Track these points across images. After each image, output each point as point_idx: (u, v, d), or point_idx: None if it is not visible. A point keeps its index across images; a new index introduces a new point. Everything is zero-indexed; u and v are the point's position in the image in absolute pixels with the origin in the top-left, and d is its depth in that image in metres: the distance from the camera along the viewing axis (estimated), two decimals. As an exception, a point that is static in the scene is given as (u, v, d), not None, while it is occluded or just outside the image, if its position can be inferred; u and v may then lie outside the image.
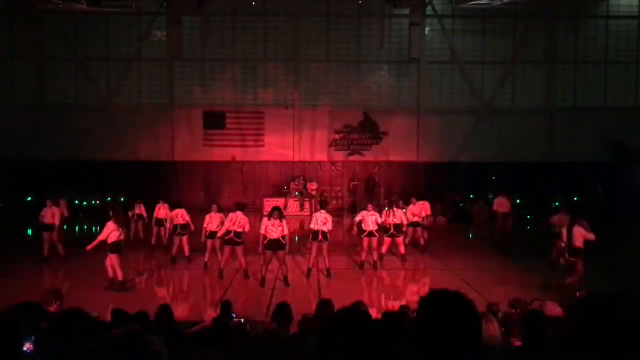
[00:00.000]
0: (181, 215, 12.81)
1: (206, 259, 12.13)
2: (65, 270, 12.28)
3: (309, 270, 11.57)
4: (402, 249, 12.85)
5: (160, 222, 13.85)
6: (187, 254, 12.75)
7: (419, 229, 14.08)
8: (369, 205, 12.55)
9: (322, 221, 11.37)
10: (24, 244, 15.20)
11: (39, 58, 21.18)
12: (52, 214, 12.89)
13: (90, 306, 4.61)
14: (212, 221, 12.02)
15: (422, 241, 14.14)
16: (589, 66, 22.13)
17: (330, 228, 11.46)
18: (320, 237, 11.30)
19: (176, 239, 12.74)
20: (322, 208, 12.13)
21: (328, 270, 11.50)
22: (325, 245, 11.37)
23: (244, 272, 11.30)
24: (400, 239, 12.79)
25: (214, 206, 12.43)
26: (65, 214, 14.92)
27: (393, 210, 12.72)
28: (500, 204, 15.74)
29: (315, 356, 2.95)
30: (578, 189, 21.86)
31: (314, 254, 11.47)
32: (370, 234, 12.05)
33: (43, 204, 13.33)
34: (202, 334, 5.67)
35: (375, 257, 12.25)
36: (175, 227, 12.75)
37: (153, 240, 14.11)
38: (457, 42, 22.22)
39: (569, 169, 21.31)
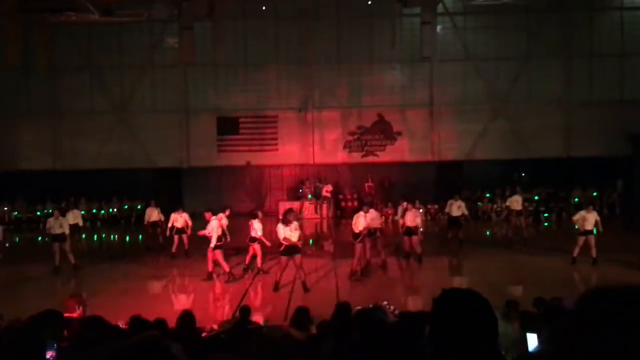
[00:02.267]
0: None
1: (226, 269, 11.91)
2: (78, 279, 12.43)
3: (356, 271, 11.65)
4: (418, 249, 12.82)
5: (181, 231, 14.02)
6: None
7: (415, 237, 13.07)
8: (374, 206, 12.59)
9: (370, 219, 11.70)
10: (38, 255, 15.38)
11: (53, 69, 21.46)
12: (60, 225, 12.99)
13: (109, 313, 4.64)
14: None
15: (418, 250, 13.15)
16: (605, 59, 21.80)
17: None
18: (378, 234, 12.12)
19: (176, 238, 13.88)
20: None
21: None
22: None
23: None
24: (415, 239, 12.75)
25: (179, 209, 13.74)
26: (80, 223, 15.17)
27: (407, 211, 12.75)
28: (514, 202, 15.51)
29: (332, 358, 2.94)
30: (597, 183, 21.63)
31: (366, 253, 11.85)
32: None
33: (50, 214, 13.62)
34: (220, 339, 5.69)
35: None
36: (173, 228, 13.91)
37: (174, 249, 14.13)
38: (470, 39, 22.05)
39: (588, 164, 21.03)
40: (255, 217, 12.21)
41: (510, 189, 16.29)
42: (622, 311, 1.41)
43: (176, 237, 13.89)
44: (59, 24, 20.16)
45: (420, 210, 14.12)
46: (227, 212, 12.90)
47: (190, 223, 13.96)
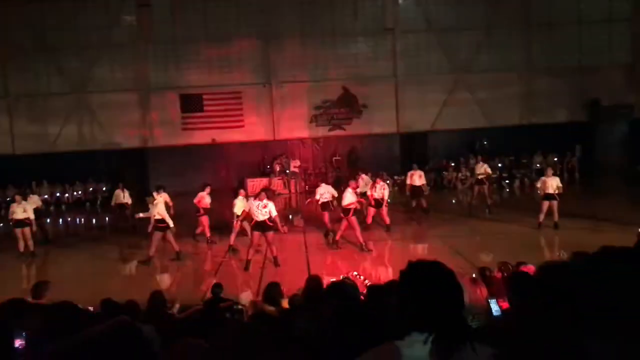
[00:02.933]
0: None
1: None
2: (40, 264, 12.24)
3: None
4: (386, 220, 13.09)
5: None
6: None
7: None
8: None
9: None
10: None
11: (6, 49, 20.66)
12: (24, 209, 12.77)
13: (79, 298, 4.60)
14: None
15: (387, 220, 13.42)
16: (563, 27, 22.15)
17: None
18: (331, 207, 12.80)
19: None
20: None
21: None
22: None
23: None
24: (384, 210, 12.99)
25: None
26: (40, 207, 14.87)
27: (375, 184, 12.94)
28: (478, 169, 15.75)
29: (305, 333, 3.00)
30: (557, 149, 22.23)
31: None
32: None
33: (12, 200, 13.32)
34: (193, 318, 5.72)
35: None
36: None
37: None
38: (432, 10, 22.08)
39: (548, 130, 21.55)
40: (236, 195, 12.51)
41: (475, 158, 16.52)
42: (577, 281, 1.49)
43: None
44: (11, 3, 19.33)
45: (388, 182, 14.29)
46: (208, 190, 13.27)
47: (171, 203, 13.65)
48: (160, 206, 11.57)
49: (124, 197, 15.31)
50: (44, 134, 21.34)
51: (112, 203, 15.54)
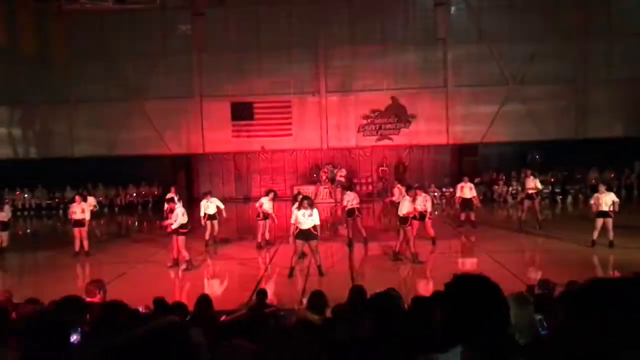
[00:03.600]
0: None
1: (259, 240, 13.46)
2: (94, 264, 12.66)
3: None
4: (431, 232, 12.89)
5: (212, 217, 13.98)
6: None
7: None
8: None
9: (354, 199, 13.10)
10: (60, 240, 15.67)
11: (68, 57, 21.63)
12: (82, 210, 13.28)
13: (130, 298, 4.75)
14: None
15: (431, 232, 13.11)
16: (622, 38, 21.33)
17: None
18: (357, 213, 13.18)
19: None
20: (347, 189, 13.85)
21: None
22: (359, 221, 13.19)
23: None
24: (428, 223, 12.78)
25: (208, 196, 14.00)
26: (95, 209, 15.45)
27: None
28: (528, 184, 15.29)
29: (347, 342, 3.01)
30: (614, 165, 21.38)
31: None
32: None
33: (72, 200, 13.90)
34: (238, 322, 5.80)
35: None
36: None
37: (206, 236, 13.99)
38: (484, 20, 21.73)
39: (605, 145, 20.78)
40: (266, 195, 13.53)
41: (525, 172, 16.04)
42: (628, 301, 1.44)
43: (208, 223, 13.74)
44: (73, 13, 20.25)
45: (435, 194, 14.11)
46: (208, 198, 13.89)
47: (222, 207, 13.94)
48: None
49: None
50: (102, 138, 22.21)
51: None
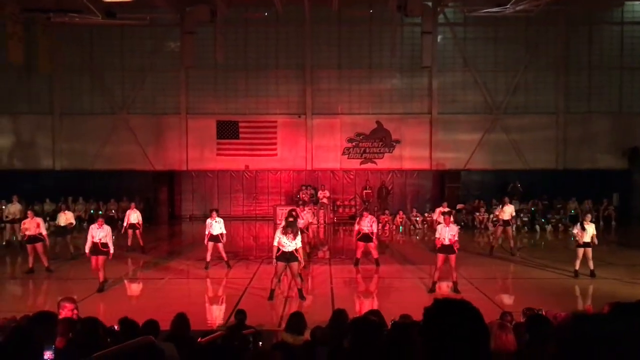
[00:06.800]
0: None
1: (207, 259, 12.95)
2: (68, 280, 12.27)
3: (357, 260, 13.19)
4: (375, 254, 13.04)
5: (133, 226, 15.20)
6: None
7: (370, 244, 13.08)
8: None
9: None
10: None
11: (55, 69, 21.51)
12: (37, 225, 12.28)
13: (102, 315, 4.66)
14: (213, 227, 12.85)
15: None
16: (603, 72, 21.93)
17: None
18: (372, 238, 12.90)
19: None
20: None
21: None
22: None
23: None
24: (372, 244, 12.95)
25: (214, 213, 13.10)
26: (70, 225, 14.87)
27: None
28: (505, 212, 15.38)
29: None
30: (593, 196, 21.66)
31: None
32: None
33: (25, 215, 12.88)
34: (215, 343, 5.71)
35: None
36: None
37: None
38: (469, 49, 22.18)
39: (584, 175, 21.14)
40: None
41: (504, 200, 16.16)
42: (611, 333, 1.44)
43: (210, 245, 12.91)
44: (63, 25, 20.20)
45: (417, 219, 14.08)
46: (214, 216, 13.01)
47: (224, 232, 13.08)
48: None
49: (135, 217, 15.27)
50: (84, 151, 22.02)
51: (125, 223, 15.44)
